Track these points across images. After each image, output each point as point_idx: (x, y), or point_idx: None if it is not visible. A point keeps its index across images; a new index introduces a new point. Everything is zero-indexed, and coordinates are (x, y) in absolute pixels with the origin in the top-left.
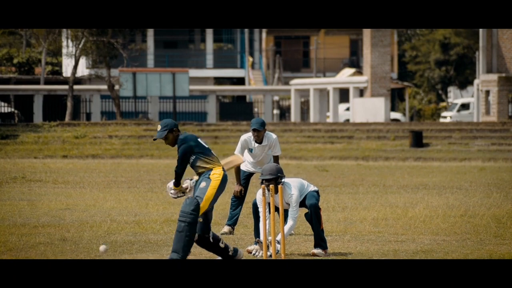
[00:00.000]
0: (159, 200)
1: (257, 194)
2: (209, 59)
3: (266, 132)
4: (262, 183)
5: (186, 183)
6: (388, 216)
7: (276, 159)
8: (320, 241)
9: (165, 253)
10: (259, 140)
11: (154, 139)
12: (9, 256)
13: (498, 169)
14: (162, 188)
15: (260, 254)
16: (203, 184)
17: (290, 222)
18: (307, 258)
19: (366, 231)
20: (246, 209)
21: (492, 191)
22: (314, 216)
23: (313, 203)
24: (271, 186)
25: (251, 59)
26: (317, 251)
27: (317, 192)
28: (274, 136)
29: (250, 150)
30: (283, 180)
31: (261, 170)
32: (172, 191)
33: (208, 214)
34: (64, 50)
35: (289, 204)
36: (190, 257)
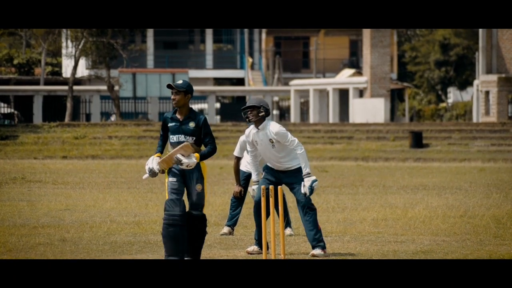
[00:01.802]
0: (158, 201)
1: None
2: (209, 59)
3: None
4: (245, 114)
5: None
6: (388, 216)
7: None
8: (317, 242)
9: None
10: None
11: (170, 85)
12: (9, 257)
13: (498, 169)
14: (162, 188)
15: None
16: (199, 187)
17: (298, 152)
18: (307, 258)
19: (366, 231)
20: (245, 210)
21: (491, 192)
22: (310, 213)
23: (306, 203)
24: (272, 188)
25: (250, 59)
26: (317, 252)
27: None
28: None
29: None
30: (265, 115)
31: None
32: (157, 168)
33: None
34: (63, 51)
35: (272, 143)
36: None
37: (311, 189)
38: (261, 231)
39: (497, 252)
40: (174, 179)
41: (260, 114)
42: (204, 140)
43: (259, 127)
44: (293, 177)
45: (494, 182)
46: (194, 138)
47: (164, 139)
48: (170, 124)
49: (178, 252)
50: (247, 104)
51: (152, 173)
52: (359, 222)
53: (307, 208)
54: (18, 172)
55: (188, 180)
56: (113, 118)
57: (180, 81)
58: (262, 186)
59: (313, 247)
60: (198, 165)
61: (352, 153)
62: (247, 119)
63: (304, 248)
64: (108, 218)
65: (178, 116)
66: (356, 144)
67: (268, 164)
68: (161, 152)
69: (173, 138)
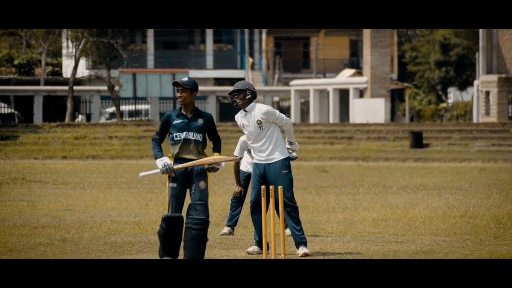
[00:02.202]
0: (159, 201)
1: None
2: (209, 60)
3: None
4: (232, 100)
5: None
6: (388, 216)
7: None
8: (301, 239)
9: None
10: None
11: (177, 82)
12: (9, 257)
13: (498, 169)
14: (162, 189)
15: (256, 249)
16: (203, 184)
17: (286, 128)
18: (307, 258)
19: (366, 231)
20: (246, 210)
21: (492, 192)
22: (292, 213)
23: (288, 197)
24: (272, 188)
25: (251, 60)
26: (306, 250)
27: (288, 166)
28: None
29: (249, 151)
30: (251, 97)
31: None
32: (169, 167)
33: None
34: (64, 51)
35: (260, 124)
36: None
37: (295, 151)
38: (260, 231)
39: (497, 252)
40: (175, 185)
41: (247, 97)
42: (215, 134)
43: (247, 109)
44: (276, 174)
45: (494, 182)
46: (202, 135)
47: (161, 141)
48: (176, 122)
49: (173, 251)
50: (233, 89)
51: (167, 169)
52: (359, 222)
53: (290, 207)
54: (19, 172)
55: (191, 179)
56: (79, 118)
57: (186, 78)
58: (263, 187)
59: (299, 245)
60: (201, 165)
61: (352, 153)
62: (234, 103)
63: None
64: (108, 218)
65: (184, 113)
66: (356, 144)
67: (255, 160)
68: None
69: (179, 135)
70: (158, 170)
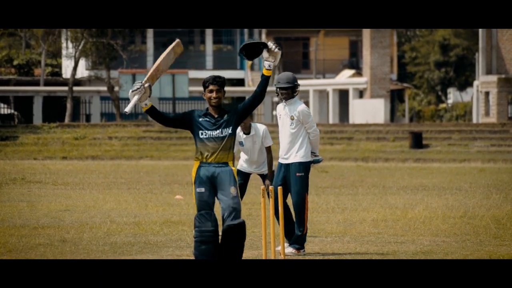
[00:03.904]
0: (158, 202)
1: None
2: (209, 60)
3: (254, 123)
4: (276, 91)
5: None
6: (387, 217)
7: (268, 150)
8: (294, 242)
9: (165, 254)
10: (246, 130)
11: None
12: (8, 257)
13: (498, 170)
14: (161, 189)
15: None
16: (234, 191)
17: (311, 138)
18: (307, 258)
19: (366, 232)
20: (245, 210)
21: (491, 192)
22: (297, 216)
23: (296, 200)
24: (271, 188)
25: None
26: (288, 250)
27: (305, 170)
28: (263, 127)
29: (241, 144)
30: (298, 90)
31: (257, 170)
32: (138, 86)
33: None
34: (63, 52)
35: (292, 120)
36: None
37: (318, 162)
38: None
39: (497, 252)
40: (202, 189)
41: (295, 94)
42: (248, 99)
43: (287, 102)
44: (291, 176)
45: (494, 182)
46: (231, 127)
47: (174, 117)
48: (202, 119)
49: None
50: (284, 85)
51: (138, 88)
52: (359, 223)
53: (296, 211)
54: (18, 173)
55: (220, 184)
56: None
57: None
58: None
59: (291, 244)
60: (229, 168)
61: (352, 154)
62: (280, 98)
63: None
64: (108, 219)
65: (212, 113)
66: (356, 145)
67: (279, 160)
68: (161, 112)
69: (205, 133)
70: (135, 98)
